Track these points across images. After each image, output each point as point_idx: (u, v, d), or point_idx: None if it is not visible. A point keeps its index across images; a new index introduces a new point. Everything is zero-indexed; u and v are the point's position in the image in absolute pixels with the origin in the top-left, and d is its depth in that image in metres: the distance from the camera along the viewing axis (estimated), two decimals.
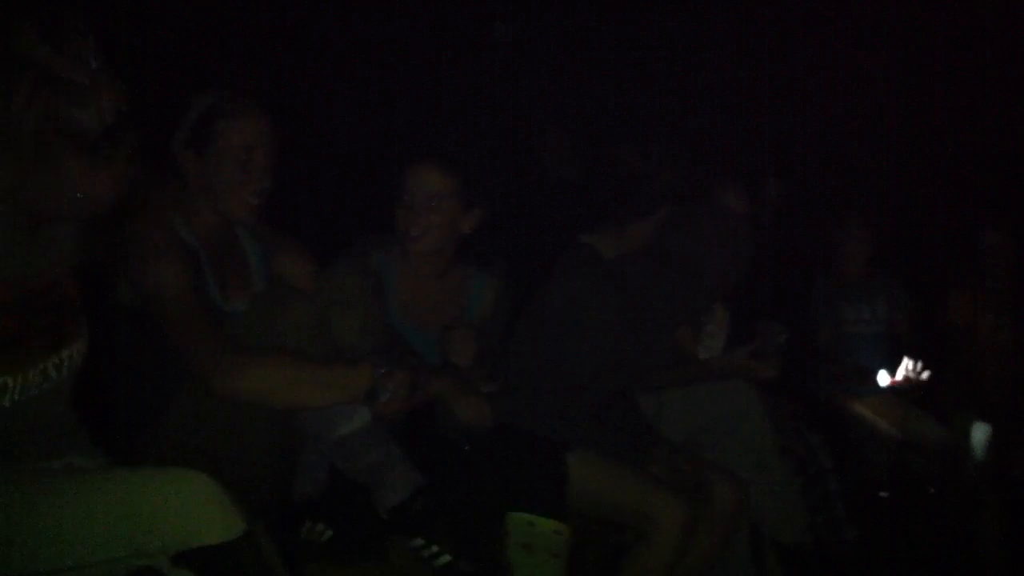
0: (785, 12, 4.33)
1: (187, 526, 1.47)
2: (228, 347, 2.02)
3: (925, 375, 3.69)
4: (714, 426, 2.84)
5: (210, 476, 1.53)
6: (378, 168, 2.69)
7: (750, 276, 2.80)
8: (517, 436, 2.42)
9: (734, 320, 3.05)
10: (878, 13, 4.39)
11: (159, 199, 2.11)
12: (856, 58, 4.48)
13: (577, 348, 2.56)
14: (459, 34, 3.87)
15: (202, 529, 1.48)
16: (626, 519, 2.42)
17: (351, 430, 2.11)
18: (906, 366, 3.71)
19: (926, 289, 4.07)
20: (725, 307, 3.06)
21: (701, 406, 2.86)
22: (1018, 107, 4.32)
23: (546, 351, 2.58)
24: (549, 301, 2.65)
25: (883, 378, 3.74)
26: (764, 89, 4.46)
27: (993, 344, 3.95)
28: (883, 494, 3.67)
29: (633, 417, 2.76)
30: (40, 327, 1.62)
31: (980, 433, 3.73)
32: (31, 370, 1.60)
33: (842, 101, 4.54)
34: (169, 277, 2.03)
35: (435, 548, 2.03)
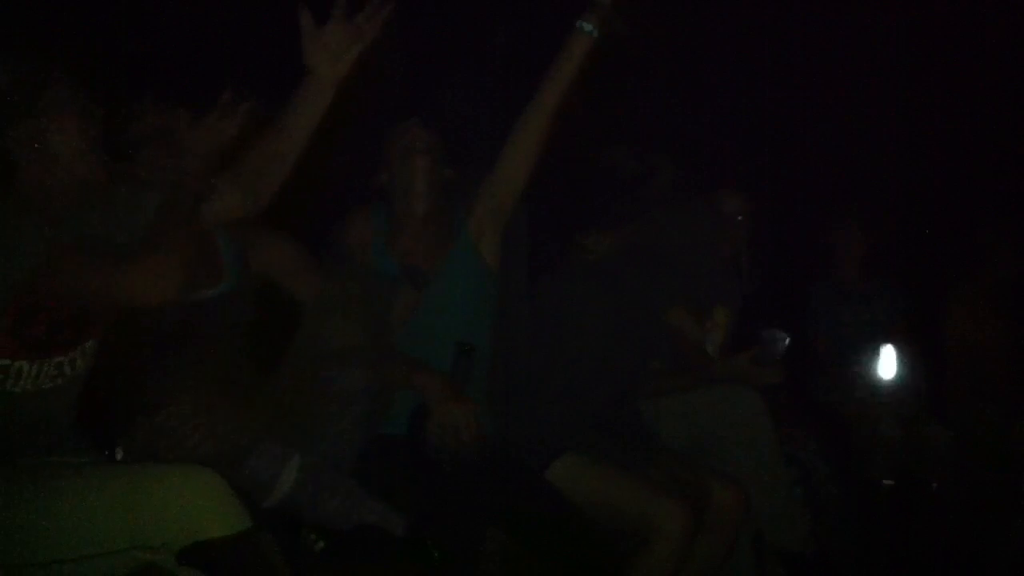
0: (784, 12, 4.31)
1: (192, 520, 1.49)
2: None
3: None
4: (716, 431, 2.83)
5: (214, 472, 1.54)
6: (376, 168, 2.68)
7: (747, 279, 2.79)
8: (503, 452, 2.40)
9: (734, 325, 3.03)
10: (878, 13, 4.38)
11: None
12: (855, 58, 4.47)
13: (574, 350, 2.55)
14: (459, 35, 3.86)
15: (206, 523, 1.50)
16: (628, 525, 2.41)
17: (286, 491, 2.05)
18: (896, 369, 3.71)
19: (926, 290, 4.06)
20: (725, 307, 3.04)
21: (703, 411, 2.85)
22: (1018, 107, 4.30)
23: (543, 355, 2.58)
24: (544, 305, 2.64)
25: (881, 381, 3.73)
26: (762, 90, 4.45)
27: (994, 344, 3.94)
28: (883, 496, 3.66)
29: (634, 423, 2.74)
30: (63, 324, 1.64)
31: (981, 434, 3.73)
32: (49, 360, 1.62)
33: (841, 102, 4.52)
34: None
35: None
